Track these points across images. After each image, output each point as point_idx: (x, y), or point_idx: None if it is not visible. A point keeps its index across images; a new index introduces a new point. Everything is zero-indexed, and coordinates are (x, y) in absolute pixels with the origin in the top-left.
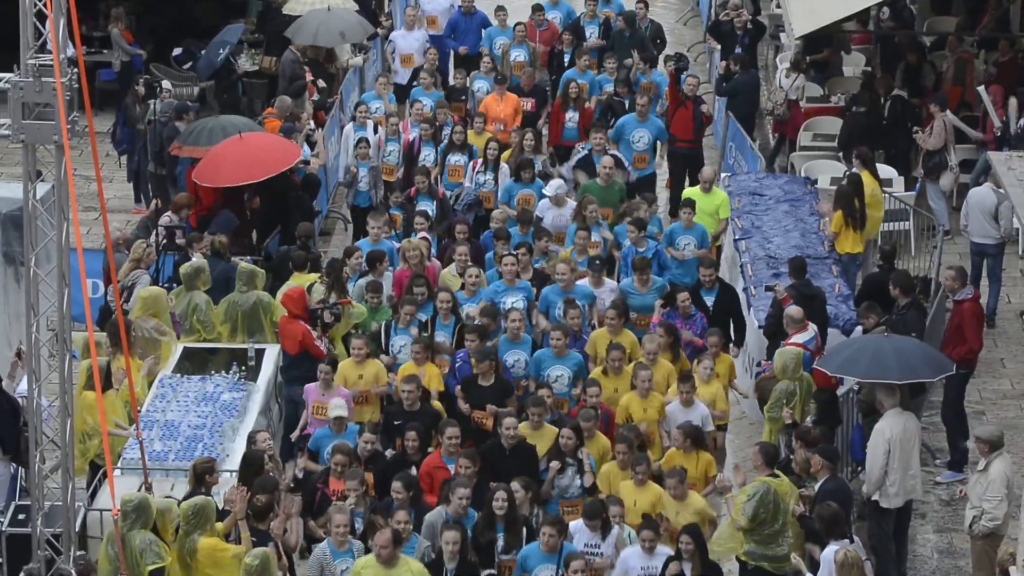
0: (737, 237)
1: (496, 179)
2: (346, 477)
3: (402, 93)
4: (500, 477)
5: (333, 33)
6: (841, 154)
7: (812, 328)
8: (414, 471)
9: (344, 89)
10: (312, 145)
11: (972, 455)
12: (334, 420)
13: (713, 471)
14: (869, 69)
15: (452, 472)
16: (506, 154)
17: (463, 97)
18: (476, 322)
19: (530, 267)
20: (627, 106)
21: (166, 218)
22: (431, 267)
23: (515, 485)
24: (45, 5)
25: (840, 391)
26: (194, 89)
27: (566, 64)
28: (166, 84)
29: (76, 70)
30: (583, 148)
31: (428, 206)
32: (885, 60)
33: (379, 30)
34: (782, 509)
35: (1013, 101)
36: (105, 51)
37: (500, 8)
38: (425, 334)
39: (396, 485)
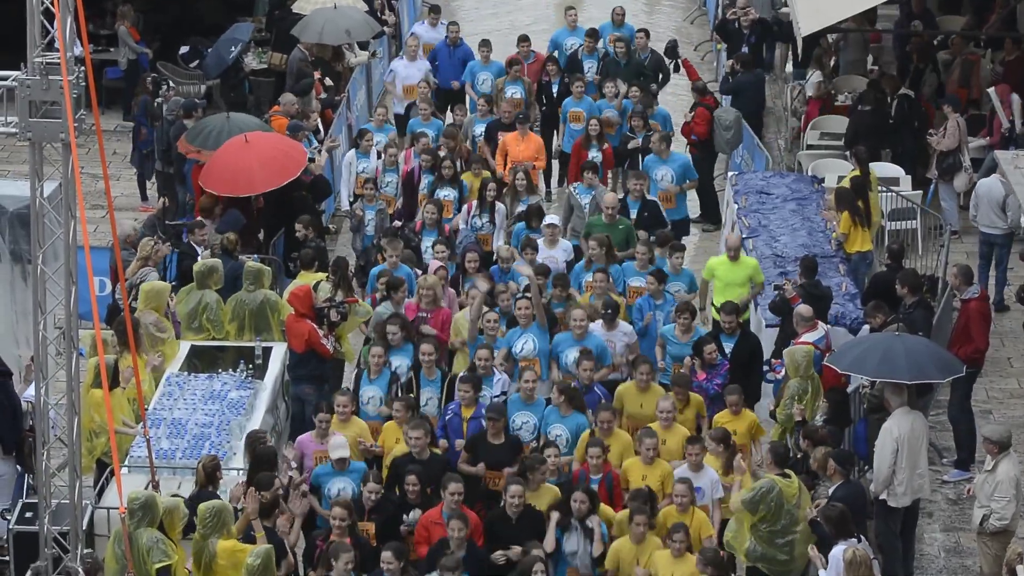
0: (744, 236)
1: (493, 221)
2: (336, 554)
3: (400, 123)
4: (506, 546)
5: (339, 31)
6: (848, 153)
7: (822, 327)
8: (417, 513)
9: (351, 88)
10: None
11: (980, 455)
12: (336, 461)
13: (708, 531)
14: (877, 68)
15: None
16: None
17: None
18: (481, 369)
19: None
20: (642, 142)
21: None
22: (444, 310)
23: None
24: (52, 3)
25: (849, 388)
26: (201, 87)
27: (555, 94)
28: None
29: (83, 68)
30: (575, 190)
31: (432, 241)
32: (900, 60)
33: (385, 28)
34: (785, 510)
35: (1017, 100)
36: (112, 49)
37: (484, 43)
38: (408, 395)
39: (386, 555)
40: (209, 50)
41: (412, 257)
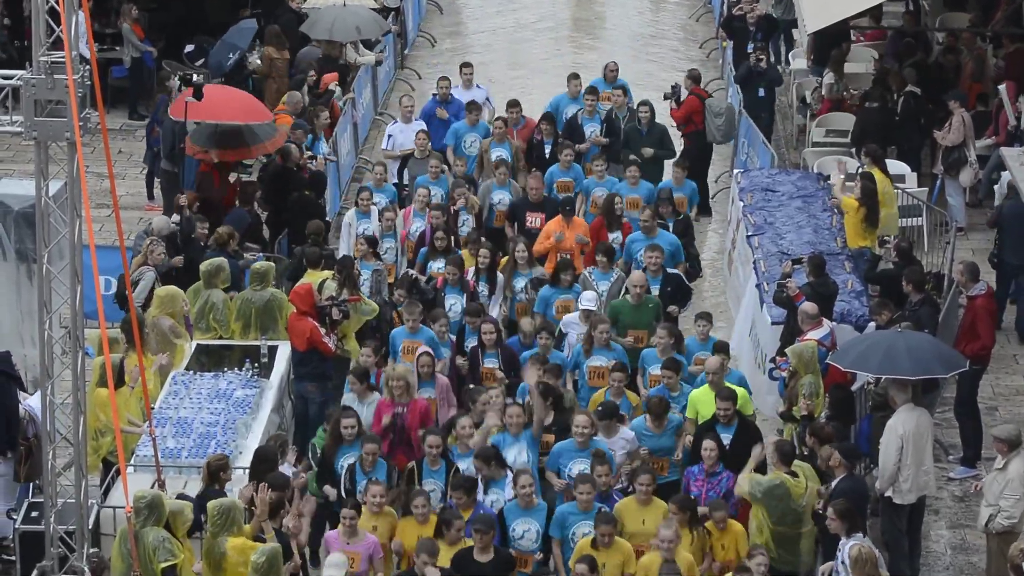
0: (750, 233)
1: (490, 291)
2: None
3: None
4: None
5: (349, 28)
6: (854, 150)
7: (828, 324)
8: None
9: (356, 86)
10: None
11: (986, 452)
12: None
13: None
14: (885, 66)
15: None
16: (503, 262)
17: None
18: (466, 471)
19: (551, 413)
20: (672, 228)
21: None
22: (421, 401)
23: None
24: (57, 2)
25: (854, 386)
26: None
27: (547, 155)
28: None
29: (88, 67)
30: (590, 275)
31: (458, 299)
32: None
33: (393, 26)
34: (792, 509)
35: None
36: (117, 48)
37: (472, 103)
38: (414, 486)
39: None
40: (213, 49)
41: (439, 303)
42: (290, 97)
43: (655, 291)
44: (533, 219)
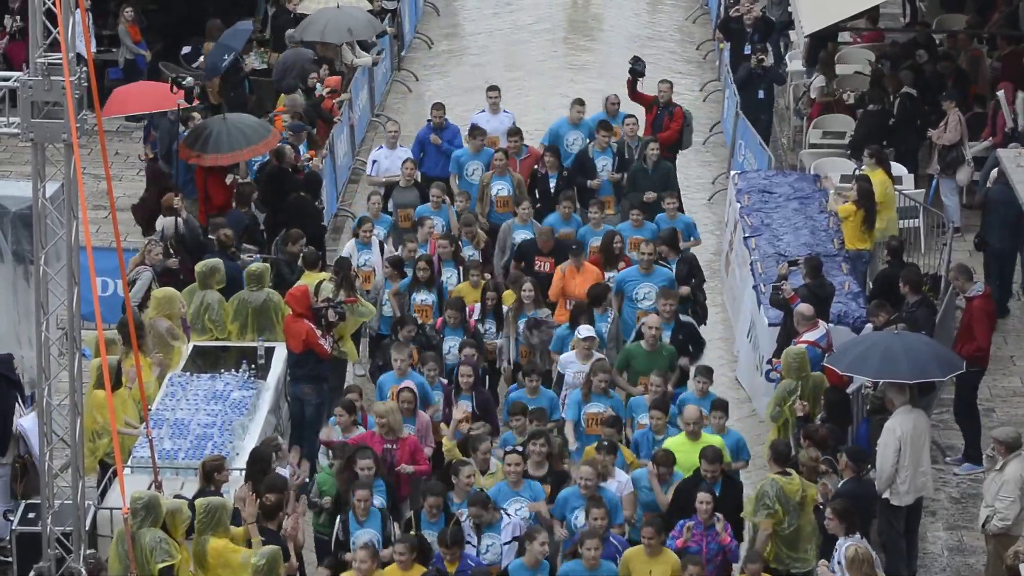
0: (747, 235)
1: (497, 328)
2: None
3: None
4: None
5: (341, 30)
6: (849, 152)
7: (824, 326)
8: None
9: (353, 88)
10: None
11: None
12: None
13: None
14: (879, 67)
15: None
16: (507, 295)
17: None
18: (466, 518)
19: (545, 463)
20: (675, 268)
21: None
22: (411, 438)
23: None
24: (54, 3)
25: (850, 388)
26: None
27: (551, 189)
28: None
29: (85, 68)
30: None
31: (457, 341)
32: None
33: (390, 28)
34: (792, 507)
35: (1021, 96)
36: (114, 49)
37: (475, 128)
38: (411, 533)
39: None
40: (210, 51)
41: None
42: (289, 99)
43: (666, 338)
44: (541, 263)
